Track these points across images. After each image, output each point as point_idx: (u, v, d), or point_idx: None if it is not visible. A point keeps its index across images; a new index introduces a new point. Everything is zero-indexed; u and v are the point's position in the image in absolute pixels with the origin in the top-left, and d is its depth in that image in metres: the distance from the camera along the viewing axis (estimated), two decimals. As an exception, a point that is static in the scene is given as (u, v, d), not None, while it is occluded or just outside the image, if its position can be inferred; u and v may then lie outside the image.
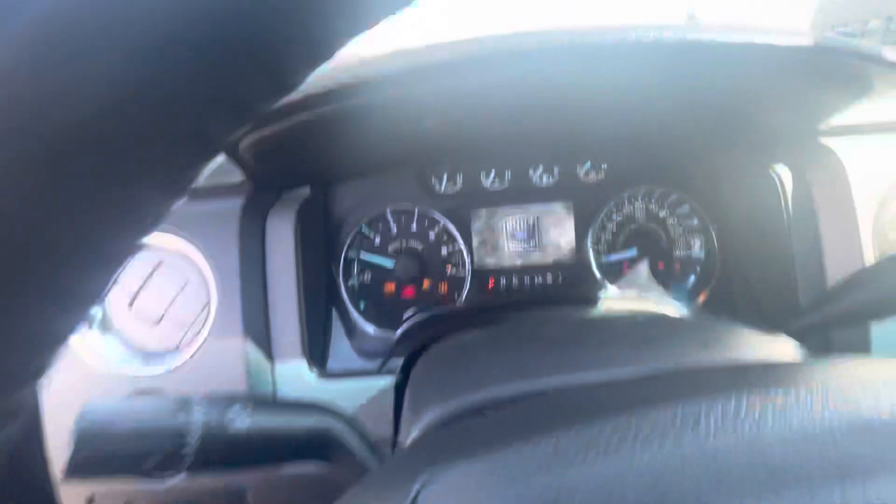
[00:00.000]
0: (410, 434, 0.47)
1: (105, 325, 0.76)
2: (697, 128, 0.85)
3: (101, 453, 0.41)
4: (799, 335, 0.69)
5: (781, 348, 0.52)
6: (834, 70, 0.58)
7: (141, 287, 0.75)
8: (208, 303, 0.74)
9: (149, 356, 0.76)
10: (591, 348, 0.53)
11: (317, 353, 0.82)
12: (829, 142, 0.79)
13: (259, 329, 0.75)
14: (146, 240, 0.20)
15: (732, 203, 0.94)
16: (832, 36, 0.55)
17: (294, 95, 0.52)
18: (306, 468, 0.51)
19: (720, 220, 0.97)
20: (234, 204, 0.75)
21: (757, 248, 0.89)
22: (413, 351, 0.78)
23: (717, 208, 0.98)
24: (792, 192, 0.79)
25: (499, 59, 0.51)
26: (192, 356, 0.73)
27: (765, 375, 0.39)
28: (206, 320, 0.74)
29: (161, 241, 0.75)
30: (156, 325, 0.76)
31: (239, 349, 0.72)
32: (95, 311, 0.76)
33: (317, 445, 0.51)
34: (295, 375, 0.76)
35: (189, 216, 0.75)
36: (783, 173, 0.81)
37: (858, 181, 0.75)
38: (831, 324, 0.67)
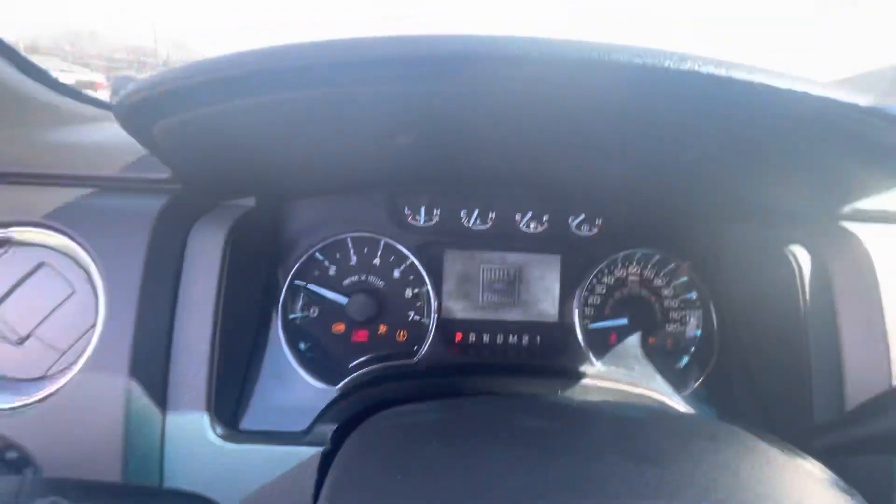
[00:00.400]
0: None
1: (-53, 338, 0.58)
2: (709, 192, 0.76)
3: None
4: (819, 455, 0.57)
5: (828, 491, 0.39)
6: (882, 138, 0.48)
7: (8, 293, 0.58)
8: (94, 324, 0.58)
9: (1, 384, 0.58)
10: (582, 462, 0.39)
11: (227, 404, 0.65)
12: (855, 227, 0.70)
13: (153, 367, 0.58)
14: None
15: (738, 281, 0.83)
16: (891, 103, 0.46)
17: (215, 74, 0.39)
18: None
19: (722, 298, 0.87)
20: (152, 204, 0.60)
21: (764, 338, 0.78)
22: (349, 419, 0.63)
23: (719, 285, 0.87)
24: (810, 280, 0.69)
25: (485, 60, 0.40)
26: (56, 392, 0.55)
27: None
28: (86, 346, 0.57)
29: (46, 238, 0.59)
30: (17, 345, 0.58)
31: (120, 390, 0.55)
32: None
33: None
34: (192, 433, 0.59)
35: (88, 211, 0.60)
36: (801, 256, 0.71)
37: (887, 277, 0.66)
38: (853, 451, 0.55)
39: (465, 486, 0.35)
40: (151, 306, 0.58)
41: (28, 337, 0.58)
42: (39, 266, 0.59)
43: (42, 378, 0.59)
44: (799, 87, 0.42)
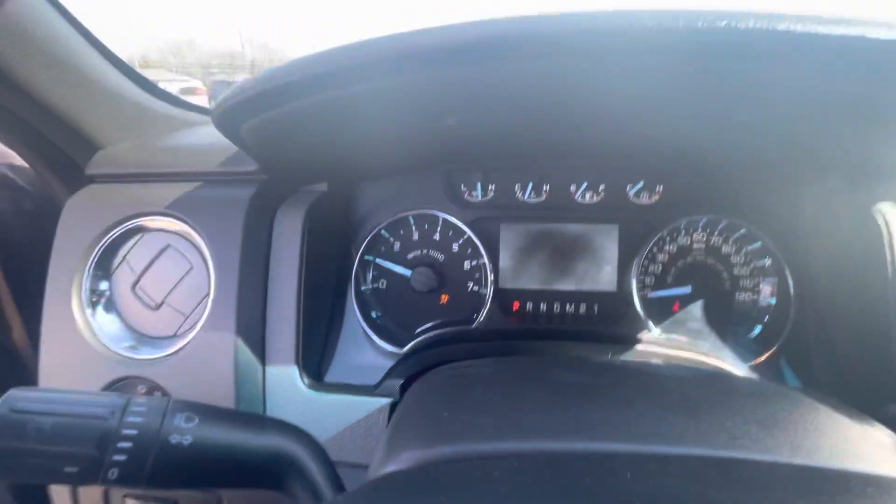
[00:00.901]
0: (382, 466, 0.39)
1: (108, 305, 0.74)
2: (780, 150, 0.71)
3: (16, 450, 0.36)
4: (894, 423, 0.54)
5: (886, 453, 0.38)
6: None
7: (145, 270, 0.74)
8: (208, 293, 0.71)
9: (144, 340, 0.74)
10: (619, 408, 0.42)
11: (312, 361, 0.76)
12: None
13: (253, 329, 0.70)
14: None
15: (818, 245, 0.77)
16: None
17: (285, 80, 0.47)
18: (252, 496, 0.44)
19: (799, 263, 0.81)
20: (244, 193, 0.72)
21: (846, 304, 0.72)
22: (414, 373, 0.71)
23: (796, 249, 0.81)
24: None
25: (528, 43, 0.42)
26: (184, 347, 0.69)
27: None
28: (203, 311, 0.70)
29: (170, 225, 0.73)
30: (155, 310, 0.73)
31: (230, 347, 0.68)
32: (103, 289, 0.75)
33: (267, 471, 0.44)
34: (285, 382, 0.70)
35: (198, 201, 0.72)
36: (890, 215, 0.64)
37: None
38: None
39: (502, 423, 0.40)
40: (249, 278, 0.70)
41: (162, 304, 0.73)
42: (166, 247, 0.74)
43: (174, 336, 0.73)
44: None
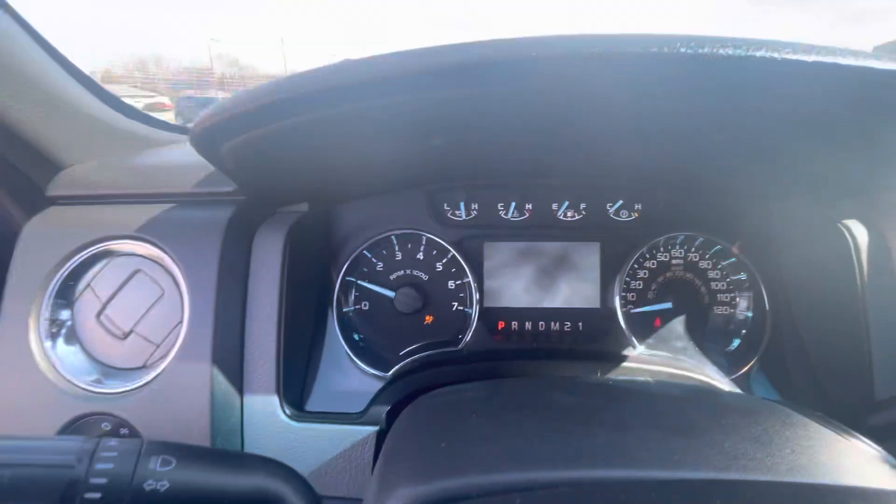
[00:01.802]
0: None
1: (69, 336, 0.69)
2: (752, 168, 0.74)
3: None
4: (877, 434, 0.55)
5: (873, 466, 0.39)
6: None
7: (112, 296, 0.69)
8: (182, 320, 0.67)
9: (110, 373, 0.69)
10: (617, 432, 0.41)
11: (294, 389, 0.73)
12: (916, 197, 0.66)
13: (230, 357, 0.66)
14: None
15: (791, 260, 0.80)
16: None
17: (270, 99, 0.45)
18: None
19: (773, 277, 0.84)
20: (221, 214, 0.69)
21: (820, 317, 0.75)
22: (401, 399, 0.68)
23: (770, 264, 0.84)
24: (868, 254, 0.66)
25: (511, 64, 0.43)
26: (154, 379, 0.65)
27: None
28: (176, 339, 0.66)
29: (139, 249, 0.69)
30: (123, 339, 0.69)
31: (205, 377, 0.64)
32: (64, 318, 0.70)
33: (251, 516, 0.41)
34: (265, 413, 0.67)
35: (171, 223, 0.69)
36: (857, 231, 0.68)
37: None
38: None
39: (499, 453, 0.39)
40: (226, 304, 0.66)
41: (130, 333, 0.69)
42: (136, 272, 0.69)
43: (143, 367, 0.69)
44: (864, 63, 0.41)
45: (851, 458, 0.39)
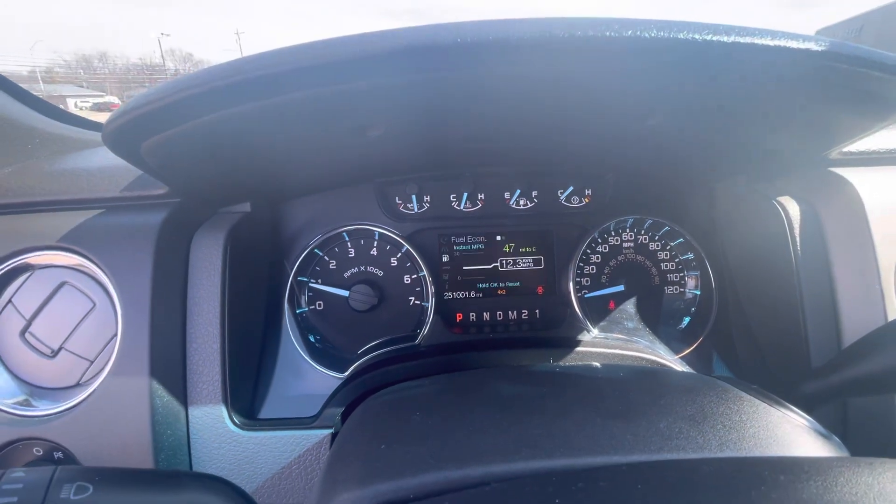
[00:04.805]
0: None
1: (-10, 356, 0.64)
2: (694, 151, 0.75)
3: None
4: (812, 400, 0.57)
5: (806, 436, 0.40)
6: (849, 81, 0.48)
7: (36, 313, 0.64)
8: (116, 334, 0.63)
9: (39, 393, 0.64)
10: (557, 420, 0.41)
11: (243, 396, 0.70)
12: (844, 172, 0.69)
13: (171, 369, 0.63)
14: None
15: (732, 238, 0.83)
16: (849, 43, 0.46)
17: (180, 95, 0.42)
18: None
19: (717, 256, 0.87)
20: (154, 219, 0.65)
21: (760, 291, 0.78)
22: (353, 402, 0.67)
23: (714, 243, 0.87)
24: (800, 228, 0.68)
25: (445, 51, 0.41)
26: (88, 397, 0.61)
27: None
28: (111, 354, 0.62)
29: (64, 260, 0.65)
30: (51, 358, 0.64)
31: (144, 392, 0.60)
32: (-16, 338, 0.64)
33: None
34: (212, 425, 0.64)
35: (98, 230, 0.64)
36: (790, 206, 0.70)
37: (878, 219, 0.65)
38: (849, 391, 0.55)
39: (439, 451, 0.38)
40: (163, 312, 0.63)
41: (60, 350, 0.64)
42: (61, 285, 0.65)
43: (76, 385, 0.65)
44: (792, 44, 0.42)
45: (779, 430, 0.41)
